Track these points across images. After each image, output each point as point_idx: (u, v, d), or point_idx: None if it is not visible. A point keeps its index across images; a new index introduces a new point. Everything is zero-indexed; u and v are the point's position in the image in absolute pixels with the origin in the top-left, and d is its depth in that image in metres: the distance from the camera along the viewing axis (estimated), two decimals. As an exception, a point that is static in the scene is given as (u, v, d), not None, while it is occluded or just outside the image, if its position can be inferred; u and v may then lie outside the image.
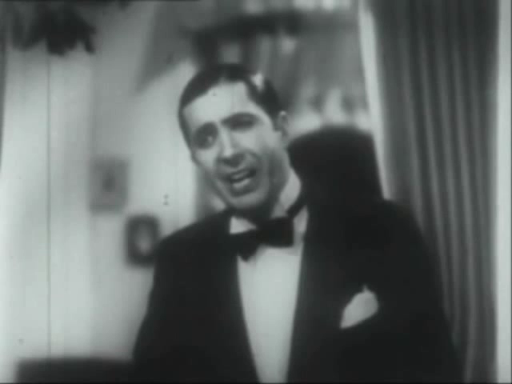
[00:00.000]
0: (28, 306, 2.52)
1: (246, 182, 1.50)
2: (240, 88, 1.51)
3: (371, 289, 1.48)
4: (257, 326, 1.50)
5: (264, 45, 2.60)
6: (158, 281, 1.64)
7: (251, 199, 1.50)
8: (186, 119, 1.53)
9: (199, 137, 1.51)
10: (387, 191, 2.43)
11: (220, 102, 1.50)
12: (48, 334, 2.49)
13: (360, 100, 2.55)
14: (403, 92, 2.42)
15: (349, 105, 2.57)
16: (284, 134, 1.56)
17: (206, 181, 1.54)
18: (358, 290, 1.48)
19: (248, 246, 1.53)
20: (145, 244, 2.67)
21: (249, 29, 2.62)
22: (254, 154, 1.49)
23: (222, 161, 1.49)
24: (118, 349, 2.57)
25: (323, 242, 1.51)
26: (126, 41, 2.57)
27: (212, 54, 2.64)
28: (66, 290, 2.57)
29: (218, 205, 2.74)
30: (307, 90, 2.58)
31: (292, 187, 1.56)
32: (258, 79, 1.55)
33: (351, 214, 1.54)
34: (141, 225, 2.66)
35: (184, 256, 1.60)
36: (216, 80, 1.51)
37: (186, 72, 2.68)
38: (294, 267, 1.50)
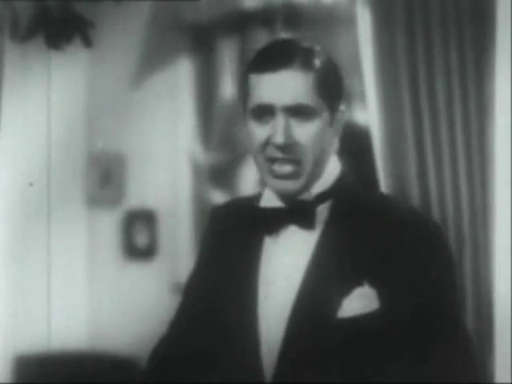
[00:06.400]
0: (27, 300, 2.53)
1: (288, 167, 1.50)
2: (309, 78, 1.49)
3: (372, 285, 1.48)
4: (267, 305, 1.51)
5: (262, 39, 2.59)
6: (203, 250, 1.67)
7: (288, 186, 1.51)
8: (251, 86, 1.52)
9: (257, 111, 1.51)
10: (384, 185, 2.43)
11: (287, 88, 1.49)
12: (47, 327, 2.50)
13: (357, 94, 2.55)
14: (400, 86, 2.42)
15: (346, 99, 2.56)
16: (339, 127, 1.56)
17: (250, 149, 1.55)
18: (359, 283, 1.48)
19: (273, 222, 1.54)
20: (142, 238, 2.67)
21: (247, 22, 2.62)
22: (305, 147, 1.49)
23: (272, 144, 1.50)
24: (116, 342, 2.58)
25: (338, 230, 1.51)
26: (124, 35, 2.57)
27: (210, 48, 2.64)
28: (64, 284, 2.58)
29: (216, 198, 2.75)
30: (304, 85, 2.58)
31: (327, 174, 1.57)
32: (329, 70, 1.54)
33: (370, 209, 1.54)
34: (138, 219, 2.67)
35: (223, 225, 1.64)
36: (290, 63, 1.50)
37: (183, 66, 2.69)
38: (310, 249, 1.52)
